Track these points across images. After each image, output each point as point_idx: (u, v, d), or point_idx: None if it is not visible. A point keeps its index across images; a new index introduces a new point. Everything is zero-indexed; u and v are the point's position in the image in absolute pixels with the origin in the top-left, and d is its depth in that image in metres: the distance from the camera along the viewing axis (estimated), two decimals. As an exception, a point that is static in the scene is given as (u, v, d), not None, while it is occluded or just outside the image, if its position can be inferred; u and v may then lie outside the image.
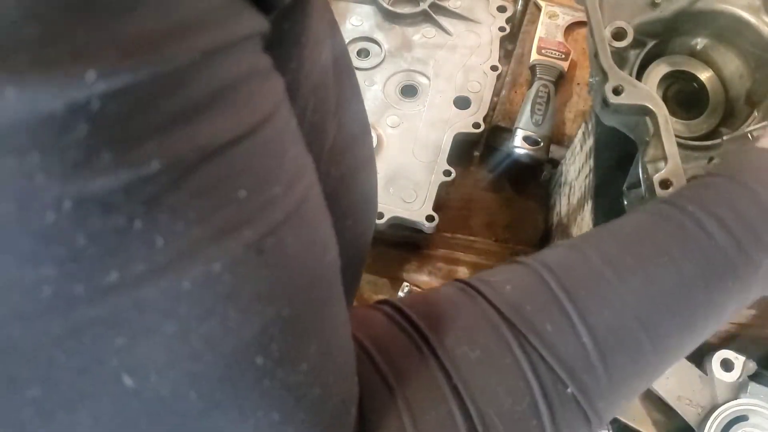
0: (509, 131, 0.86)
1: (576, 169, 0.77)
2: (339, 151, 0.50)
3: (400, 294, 0.77)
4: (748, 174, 0.43)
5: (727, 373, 0.72)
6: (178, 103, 0.21)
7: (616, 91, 0.58)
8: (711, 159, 0.65)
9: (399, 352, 0.36)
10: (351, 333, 0.34)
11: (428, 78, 0.90)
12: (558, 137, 0.88)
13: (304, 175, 0.28)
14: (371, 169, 0.59)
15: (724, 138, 0.63)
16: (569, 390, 0.36)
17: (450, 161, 0.82)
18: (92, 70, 0.19)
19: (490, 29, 0.93)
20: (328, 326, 0.30)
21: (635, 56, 0.65)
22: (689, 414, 0.72)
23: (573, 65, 0.91)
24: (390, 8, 0.93)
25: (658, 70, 0.67)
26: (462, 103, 0.88)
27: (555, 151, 0.87)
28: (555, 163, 0.87)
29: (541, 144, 0.83)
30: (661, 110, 0.57)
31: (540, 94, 0.86)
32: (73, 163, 0.19)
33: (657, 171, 0.55)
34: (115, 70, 0.19)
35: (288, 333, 0.27)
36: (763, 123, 0.56)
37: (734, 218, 0.41)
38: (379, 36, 0.93)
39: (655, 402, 0.75)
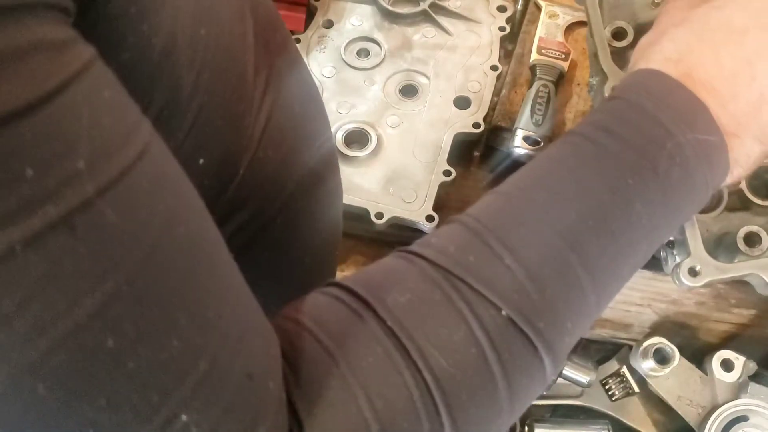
0: (509, 131, 0.86)
1: (576, 169, 0.77)
2: (278, 131, 0.50)
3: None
4: (634, 90, 0.45)
5: (728, 373, 0.72)
6: None
7: (616, 91, 0.58)
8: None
9: (339, 321, 0.37)
10: (280, 311, 0.36)
11: (428, 78, 0.90)
12: (558, 137, 0.88)
13: (127, 145, 0.27)
14: (322, 147, 0.59)
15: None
16: (504, 312, 0.37)
17: (450, 161, 0.82)
18: None
19: (490, 29, 0.93)
20: (204, 297, 0.30)
21: None
22: (689, 414, 0.72)
23: (573, 65, 0.91)
24: (390, 8, 0.93)
25: None
26: (462, 103, 0.88)
27: (555, 151, 0.87)
28: (555, 163, 0.87)
29: (542, 144, 0.83)
30: (661, 110, 0.57)
31: (540, 94, 0.86)
32: None
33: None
34: None
35: (139, 309, 0.26)
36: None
37: (621, 125, 0.43)
38: (379, 36, 0.93)
39: (655, 402, 0.75)
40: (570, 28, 0.94)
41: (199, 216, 0.32)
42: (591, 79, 0.66)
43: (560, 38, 0.92)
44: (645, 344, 0.73)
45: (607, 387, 0.77)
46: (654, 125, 0.43)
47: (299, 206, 0.57)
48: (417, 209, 0.79)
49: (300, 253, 0.60)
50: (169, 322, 0.28)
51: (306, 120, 0.58)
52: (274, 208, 0.54)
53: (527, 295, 0.38)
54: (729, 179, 0.48)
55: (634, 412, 0.76)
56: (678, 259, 0.57)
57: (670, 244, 0.58)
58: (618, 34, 0.64)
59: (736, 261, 0.59)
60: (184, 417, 0.28)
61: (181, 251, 0.29)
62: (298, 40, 0.91)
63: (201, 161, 0.43)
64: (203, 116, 0.42)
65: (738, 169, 0.47)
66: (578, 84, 0.90)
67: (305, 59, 0.90)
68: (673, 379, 0.73)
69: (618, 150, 0.42)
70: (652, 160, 0.42)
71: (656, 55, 0.47)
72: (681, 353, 0.73)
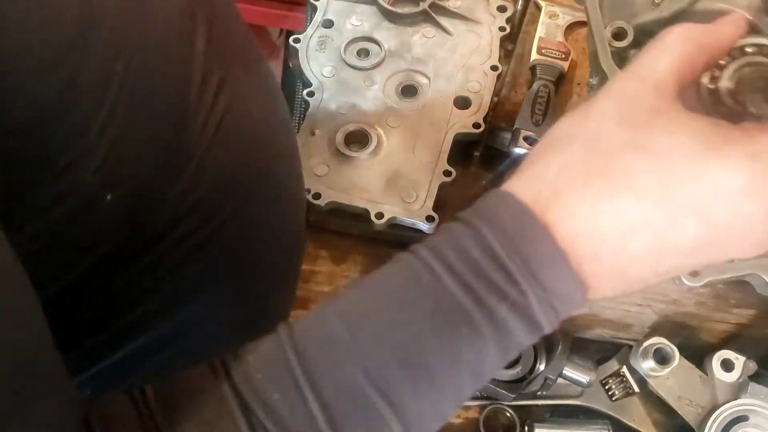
0: (509, 131, 0.86)
1: (576, 169, 0.77)
2: (231, 135, 0.51)
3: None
4: (479, 215, 0.41)
5: (727, 373, 0.72)
6: None
7: (616, 91, 0.58)
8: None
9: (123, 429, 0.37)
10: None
11: (428, 78, 0.90)
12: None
13: None
14: (283, 153, 0.60)
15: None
16: None
17: (450, 161, 0.82)
18: None
19: (490, 29, 0.93)
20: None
21: (635, 56, 0.65)
22: (689, 414, 0.72)
23: (573, 65, 0.91)
24: (390, 8, 0.93)
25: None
26: (462, 103, 0.88)
27: (555, 151, 0.87)
28: (555, 163, 0.86)
29: (541, 144, 0.83)
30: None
31: (540, 94, 0.86)
32: None
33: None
34: None
35: None
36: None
37: (460, 258, 0.39)
38: (379, 36, 0.93)
39: (655, 402, 0.75)
40: (570, 28, 0.94)
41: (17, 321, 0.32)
42: (591, 79, 0.66)
43: (560, 38, 0.92)
44: (645, 344, 0.73)
45: (607, 387, 0.77)
46: (502, 273, 0.38)
47: (255, 212, 0.57)
48: (417, 209, 0.79)
49: (256, 259, 0.60)
50: None
51: (265, 124, 0.58)
52: (225, 212, 0.53)
53: None
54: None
55: (634, 412, 0.76)
56: (678, 259, 0.57)
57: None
58: (618, 34, 0.64)
59: (736, 261, 0.59)
60: None
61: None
62: (298, 40, 0.91)
63: (116, 192, 0.44)
64: (121, 145, 0.42)
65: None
66: (578, 84, 0.90)
67: (305, 59, 0.90)
68: (673, 379, 0.73)
69: (456, 293, 0.38)
70: (491, 309, 0.38)
71: (533, 184, 0.40)
72: (681, 353, 0.73)
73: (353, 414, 0.38)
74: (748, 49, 0.46)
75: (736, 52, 0.46)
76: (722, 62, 0.46)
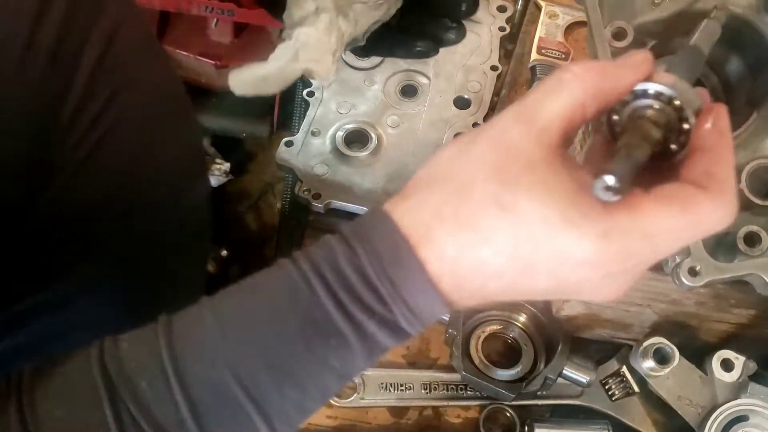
0: (509, 131, 0.86)
1: (576, 169, 0.77)
2: (115, 148, 0.55)
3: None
4: (359, 236, 0.43)
5: (727, 373, 0.72)
6: None
7: (616, 91, 0.58)
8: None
9: None
10: None
11: (428, 78, 0.90)
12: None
13: None
14: (180, 158, 0.64)
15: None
16: None
17: (450, 161, 0.82)
18: None
19: (490, 29, 0.93)
20: None
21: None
22: (689, 414, 0.72)
23: (573, 65, 0.91)
24: (390, 8, 0.93)
25: (659, 70, 0.66)
26: (462, 103, 0.88)
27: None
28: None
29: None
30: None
31: (540, 94, 0.86)
32: None
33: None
34: None
35: None
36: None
37: (336, 278, 0.42)
38: (379, 36, 0.93)
39: (655, 402, 0.75)
40: (570, 28, 0.94)
41: None
42: (591, 79, 0.66)
43: (560, 38, 0.92)
44: (645, 344, 0.73)
45: (607, 387, 0.77)
46: (373, 295, 0.42)
47: (147, 216, 0.61)
48: (417, 209, 0.79)
49: (150, 259, 0.63)
50: None
51: (161, 131, 0.62)
52: (108, 218, 0.57)
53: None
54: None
55: (634, 412, 0.76)
56: (678, 259, 0.57)
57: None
58: (618, 34, 0.64)
59: (736, 261, 0.59)
60: None
61: None
62: (298, 40, 0.91)
63: None
64: None
65: None
66: (578, 84, 0.90)
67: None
68: (673, 379, 0.73)
69: (330, 309, 0.42)
70: (360, 324, 0.42)
71: (412, 217, 0.42)
72: (681, 353, 0.73)
73: (218, 409, 0.41)
74: (646, 99, 0.43)
75: (637, 94, 0.43)
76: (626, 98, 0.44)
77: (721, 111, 0.43)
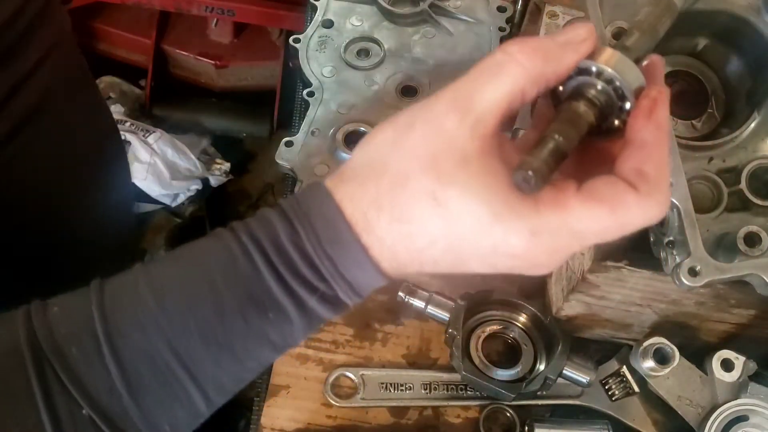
0: (509, 131, 0.86)
1: (576, 169, 0.77)
2: (29, 162, 0.59)
3: (400, 294, 0.77)
4: (299, 214, 0.44)
5: (728, 373, 0.72)
6: None
7: (617, 91, 0.58)
8: (711, 159, 0.65)
9: None
10: None
11: (428, 78, 0.90)
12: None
13: None
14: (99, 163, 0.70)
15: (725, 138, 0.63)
16: (84, 412, 0.39)
17: (450, 161, 0.82)
18: None
19: (490, 29, 0.93)
20: None
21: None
22: (689, 414, 0.72)
23: (573, 65, 0.91)
24: (390, 8, 0.93)
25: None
26: (462, 103, 0.87)
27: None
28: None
29: (541, 144, 0.83)
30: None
31: (540, 94, 0.86)
32: None
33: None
34: None
35: None
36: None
37: (277, 253, 0.43)
38: (379, 36, 0.93)
39: (655, 402, 0.75)
40: (570, 28, 0.94)
41: None
42: (591, 79, 0.66)
43: (560, 38, 0.92)
44: (645, 344, 0.73)
45: (607, 387, 0.77)
46: (313, 272, 0.43)
47: (64, 219, 0.65)
48: (417, 209, 0.79)
49: (71, 258, 0.66)
50: None
51: (84, 142, 0.66)
52: (24, 222, 0.60)
53: (119, 399, 0.40)
54: None
55: (634, 412, 0.76)
56: (678, 259, 0.57)
57: (670, 245, 0.58)
58: (618, 34, 0.64)
59: (736, 261, 0.59)
60: None
61: None
62: (298, 40, 0.91)
63: None
64: None
65: None
66: (578, 84, 0.90)
67: (305, 59, 0.90)
68: (673, 379, 0.73)
69: (271, 284, 0.42)
70: (300, 299, 0.43)
71: (351, 202, 0.43)
72: (681, 353, 0.73)
73: (151, 378, 0.41)
74: (588, 76, 0.43)
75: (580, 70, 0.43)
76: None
77: (660, 100, 0.42)
